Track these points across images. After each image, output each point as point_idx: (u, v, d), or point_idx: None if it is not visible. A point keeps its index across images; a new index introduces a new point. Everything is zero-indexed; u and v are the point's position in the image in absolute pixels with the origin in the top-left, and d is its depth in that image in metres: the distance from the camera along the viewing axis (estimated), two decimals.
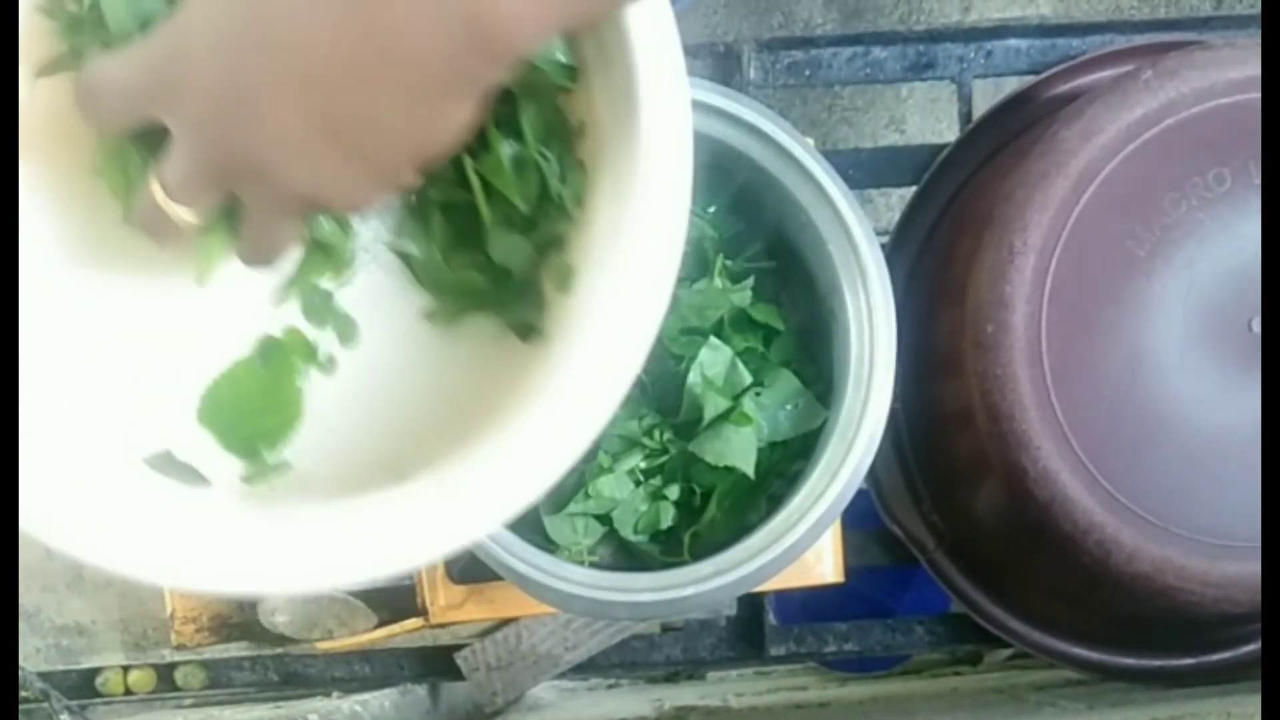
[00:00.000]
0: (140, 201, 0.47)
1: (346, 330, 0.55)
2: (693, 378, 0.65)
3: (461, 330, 0.55)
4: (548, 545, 0.66)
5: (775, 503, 0.65)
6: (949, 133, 0.87)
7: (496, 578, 0.68)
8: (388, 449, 0.53)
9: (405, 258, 0.55)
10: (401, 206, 0.55)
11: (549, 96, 0.50)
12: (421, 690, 0.92)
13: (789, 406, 0.67)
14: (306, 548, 0.45)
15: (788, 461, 0.67)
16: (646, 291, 0.46)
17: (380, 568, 0.45)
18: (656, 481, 0.67)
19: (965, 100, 0.86)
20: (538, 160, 0.50)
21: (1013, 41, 0.85)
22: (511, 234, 0.52)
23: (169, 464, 0.51)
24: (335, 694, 0.86)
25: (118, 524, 0.44)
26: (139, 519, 0.45)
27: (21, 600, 0.83)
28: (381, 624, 0.78)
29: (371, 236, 0.55)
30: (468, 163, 0.51)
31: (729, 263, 0.69)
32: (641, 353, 0.46)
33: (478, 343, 0.55)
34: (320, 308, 0.55)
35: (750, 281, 0.68)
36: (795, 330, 0.70)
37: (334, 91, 0.42)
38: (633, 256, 0.46)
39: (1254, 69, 0.67)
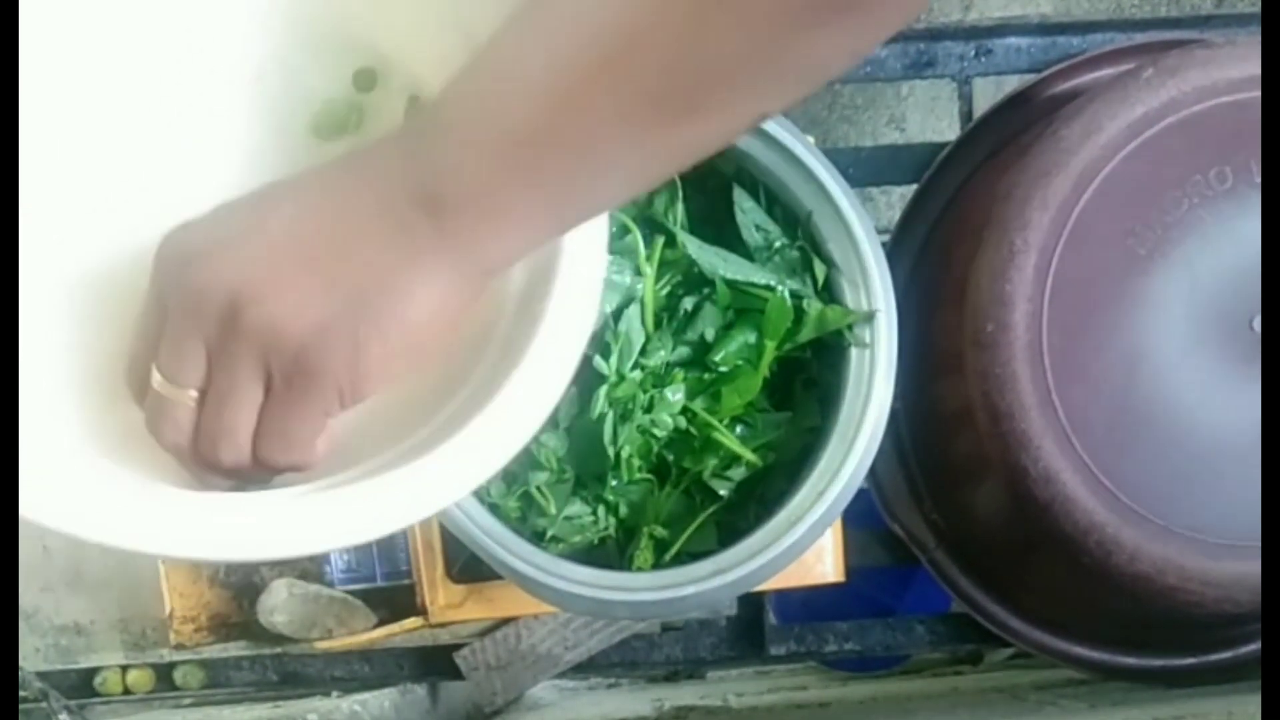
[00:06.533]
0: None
1: None
2: None
3: None
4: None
5: (769, 505, 0.65)
6: (949, 131, 0.87)
7: (496, 577, 0.68)
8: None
9: None
10: None
11: None
12: (421, 690, 0.92)
13: (772, 430, 0.67)
14: (293, 518, 0.46)
15: (776, 474, 0.67)
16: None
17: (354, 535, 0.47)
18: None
19: (966, 99, 0.86)
20: None
21: (1013, 40, 0.85)
22: None
23: None
24: (334, 693, 0.86)
25: (114, 501, 0.44)
26: (132, 497, 0.46)
27: (20, 600, 0.82)
28: (381, 623, 0.78)
29: None
30: None
31: None
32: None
33: None
34: None
35: None
36: None
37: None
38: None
39: (1255, 67, 0.67)
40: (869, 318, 0.64)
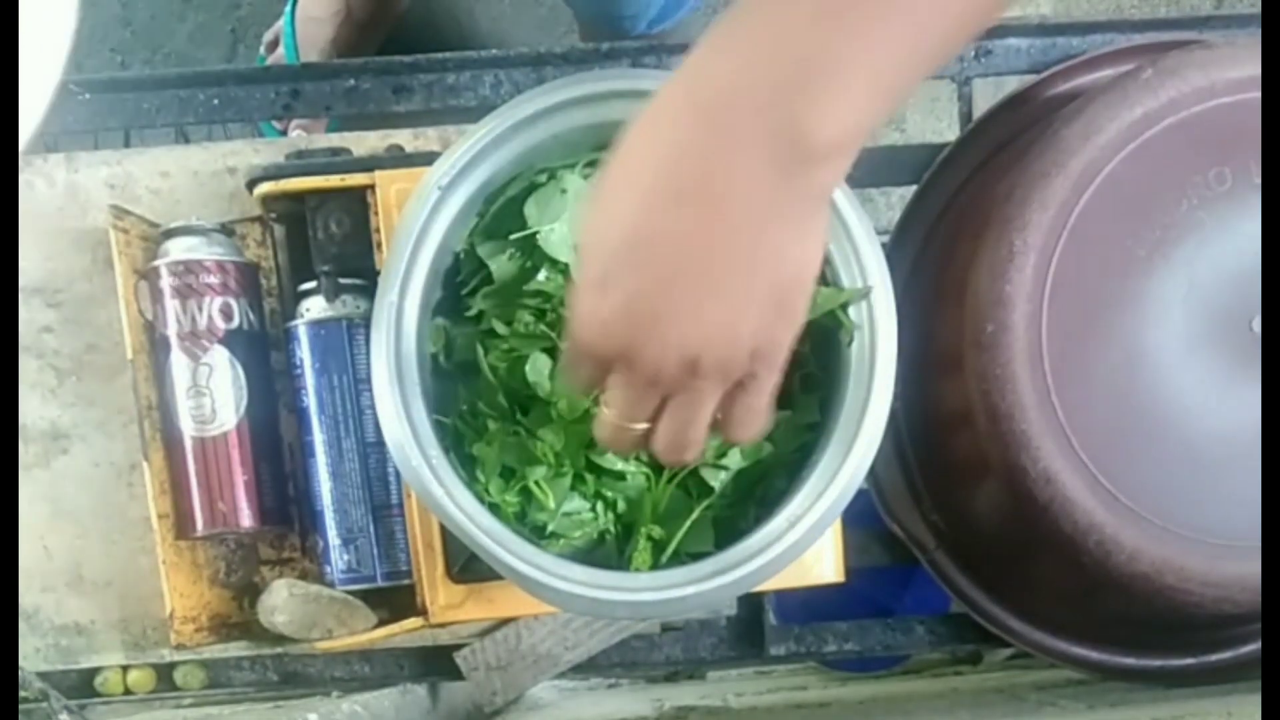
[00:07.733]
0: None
1: None
2: None
3: None
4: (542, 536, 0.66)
5: (769, 506, 0.65)
6: (949, 132, 0.87)
7: (496, 577, 0.68)
8: None
9: None
10: None
11: None
12: (421, 690, 0.92)
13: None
14: None
15: (775, 474, 0.67)
16: None
17: None
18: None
19: (965, 99, 0.86)
20: None
21: (1013, 41, 0.85)
22: None
23: None
24: (335, 694, 0.86)
25: None
26: None
27: (21, 600, 0.82)
28: (381, 624, 0.78)
29: None
30: None
31: None
32: None
33: None
34: None
35: None
36: None
37: (705, 270, 0.48)
38: None
39: (1254, 68, 0.67)
40: (865, 294, 0.63)
